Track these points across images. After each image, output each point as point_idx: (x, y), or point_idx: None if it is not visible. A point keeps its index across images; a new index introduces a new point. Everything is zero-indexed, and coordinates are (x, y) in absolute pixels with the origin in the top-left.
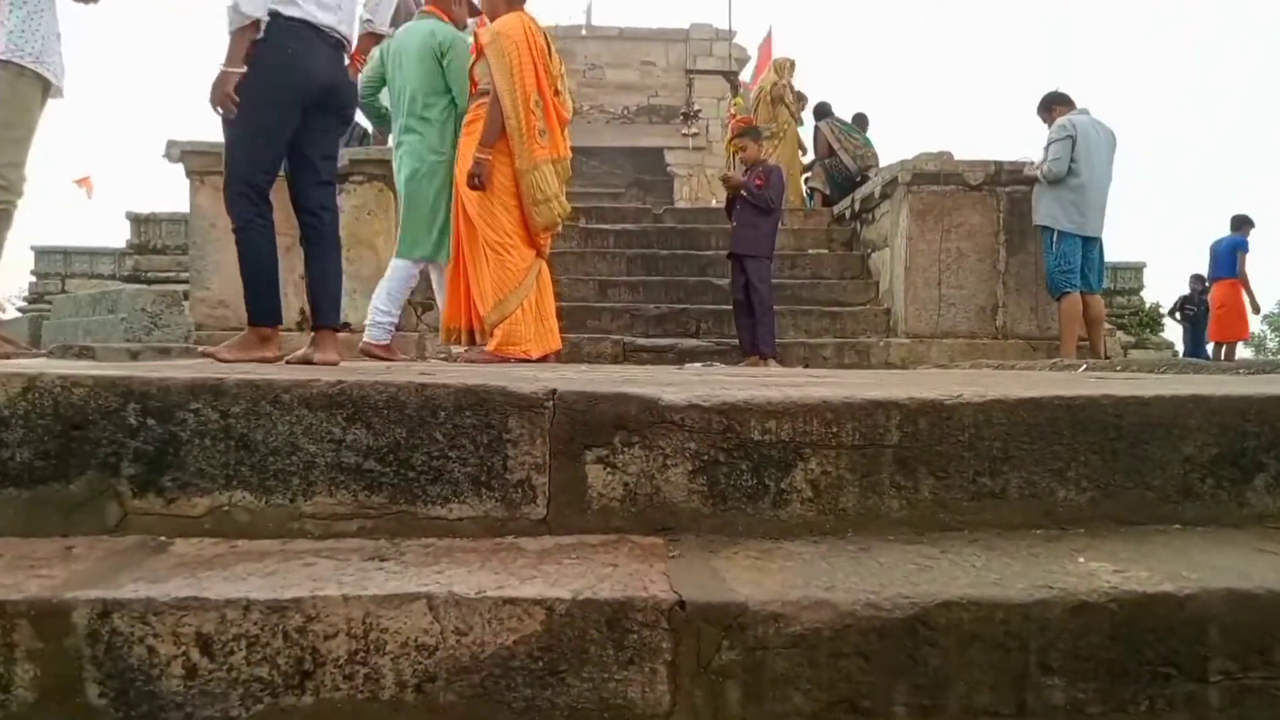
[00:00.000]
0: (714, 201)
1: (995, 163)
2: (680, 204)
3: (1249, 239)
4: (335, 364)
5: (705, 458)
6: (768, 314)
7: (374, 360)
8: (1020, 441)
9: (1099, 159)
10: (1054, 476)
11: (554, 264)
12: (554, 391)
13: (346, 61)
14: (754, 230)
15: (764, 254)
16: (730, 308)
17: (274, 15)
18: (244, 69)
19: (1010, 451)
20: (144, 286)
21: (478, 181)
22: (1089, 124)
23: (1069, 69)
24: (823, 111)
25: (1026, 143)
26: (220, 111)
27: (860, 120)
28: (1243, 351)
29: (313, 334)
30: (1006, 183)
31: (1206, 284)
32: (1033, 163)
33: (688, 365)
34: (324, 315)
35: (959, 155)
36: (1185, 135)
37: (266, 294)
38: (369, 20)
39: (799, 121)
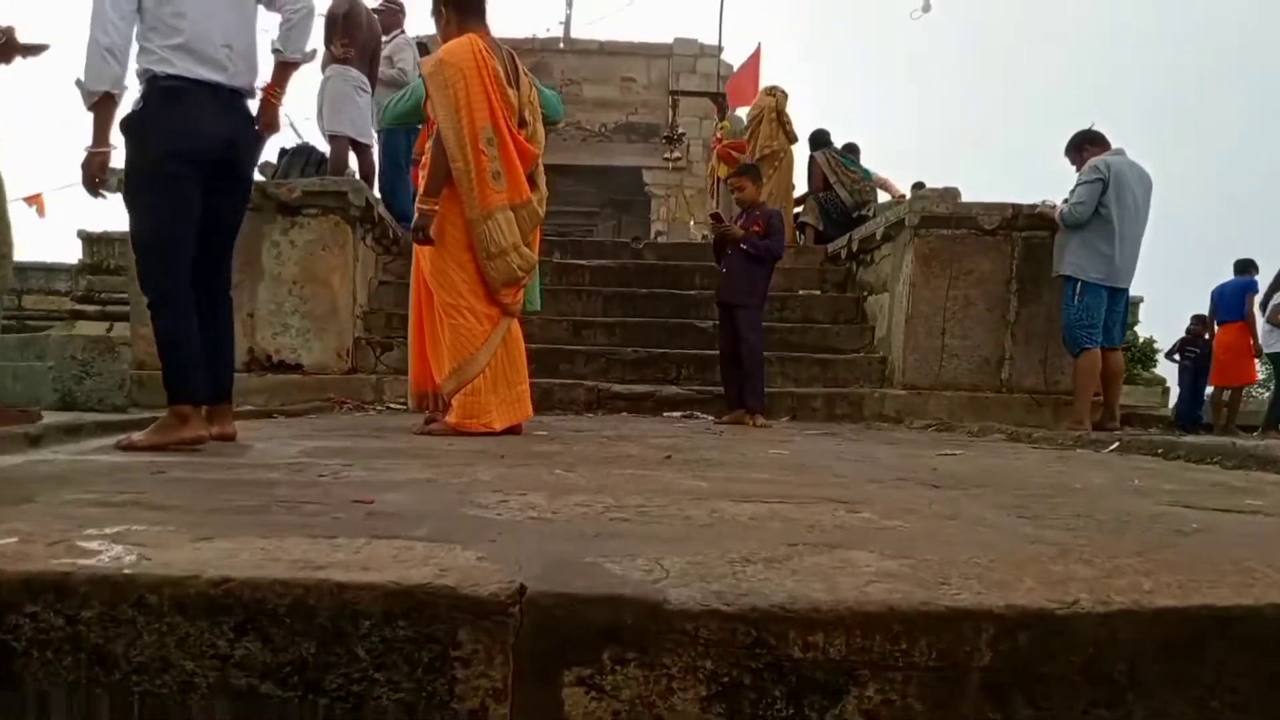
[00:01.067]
0: (691, 223)
1: (1013, 206)
2: (657, 225)
3: (1257, 280)
4: (231, 437)
5: (725, 679)
6: (757, 367)
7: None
8: (1151, 663)
9: (1133, 203)
10: (1192, 706)
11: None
12: (521, 592)
13: (255, 107)
14: (747, 279)
15: (755, 303)
16: (714, 353)
17: (151, 78)
18: (109, 147)
19: (1137, 676)
20: (74, 334)
21: (421, 236)
22: (1124, 165)
23: (1078, 96)
24: (820, 140)
25: (1035, 183)
26: (93, 195)
27: (851, 150)
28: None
29: (207, 409)
30: (1023, 228)
31: (1208, 325)
32: (1052, 204)
33: (667, 414)
34: (219, 389)
35: (964, 195)
36: (1179, 168)
37: (185, 372)
38: (278, 50)
39: (794, 139)
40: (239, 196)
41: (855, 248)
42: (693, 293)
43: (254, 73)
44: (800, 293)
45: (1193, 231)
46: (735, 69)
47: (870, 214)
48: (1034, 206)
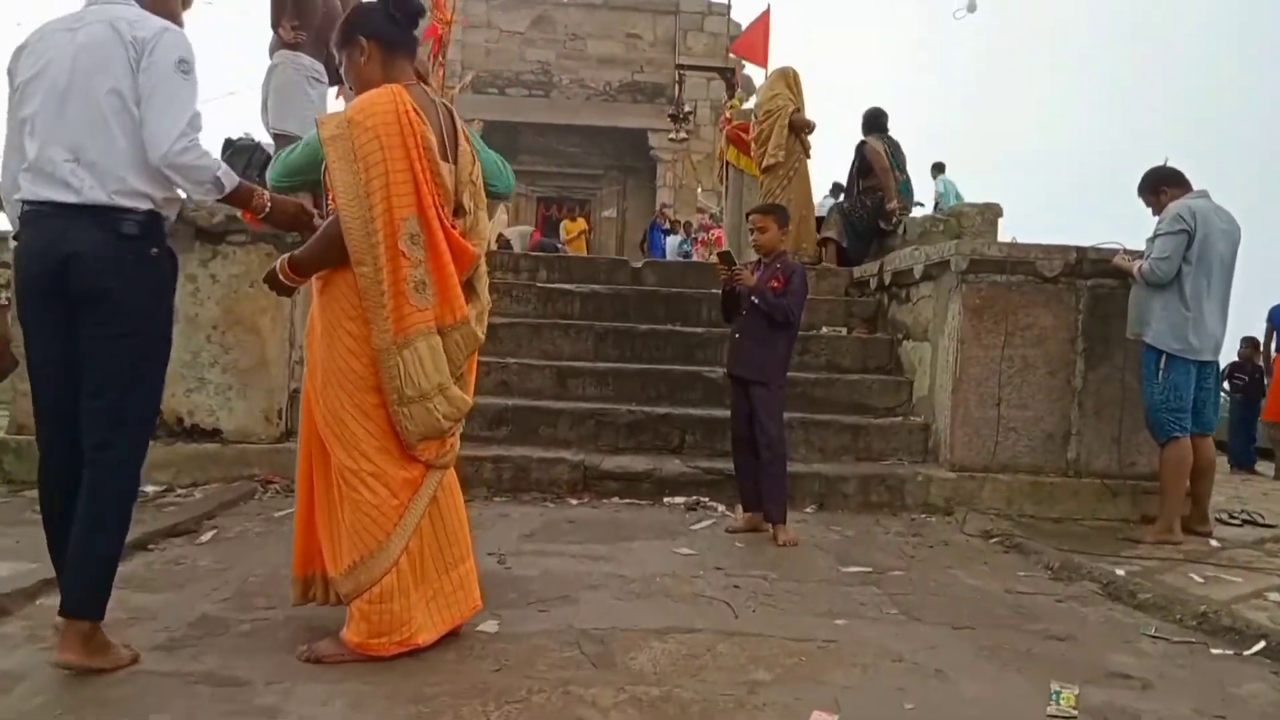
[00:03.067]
0: (699, 190)
1: (1077, 249)
2: (663, 194)
3: None
4: (80, 667)
5: None
6: (779, 466)
7: None
8: None
9: (1222, 258)
10: None
11: (501, 337)
12: None
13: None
14: (766, 349)
15: (776, 380)
16: (726, 413)
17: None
18: None
19: None
20: None
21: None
22: (1210, 211)
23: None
24: (875, 123)
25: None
26: None
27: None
28: None
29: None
30: (1089, 274)
31: (1262, 351)
32: (1125, 251)
33: (668, 501)
34: (68, 599)
35: (1011, 218)
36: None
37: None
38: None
39: (810, 155)
40: (97, 327)
41: (888, 279)
42: (701, 330)
43: (116, 180)
44: (824, 331)
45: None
46: (744, 28)
47: (894, 226)
48: (1100, 249)
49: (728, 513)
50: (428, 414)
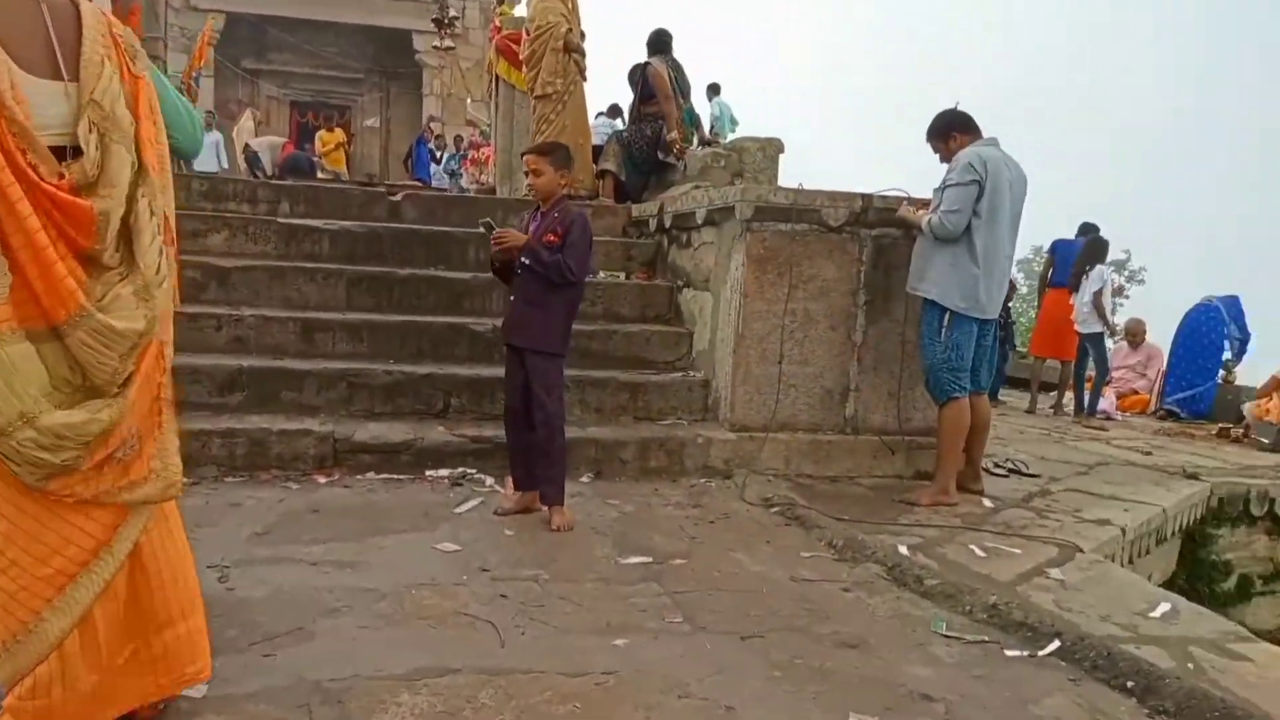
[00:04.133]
0: (469, 102)
1: (863, 197)
2: (430, 104)
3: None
4: None
5: None
6: (556, 443)
7: None
8: None
9: (1012, 211)
10: None
11: (235, 284)
12: None
13: None
14: (544, 313)
15: (556, 348)
16: (497, 373)
17: None
18: None
19: None
20: None
21: None
22: (1000, 161)
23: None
24: (660, 45)
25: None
26: None
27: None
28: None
29: None
30: (874, 224)
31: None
32: (908, 200)
33: (431, 475)
34: None
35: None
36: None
37: None
38: None
39: (585, 77)
40: None
41: (668, 221)
42: (467, 276)
43: None
44: (602, 277)
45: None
46: None
47: (675, 158)
48: (886, 198)
49: (497, 487)
50: (20, 452)
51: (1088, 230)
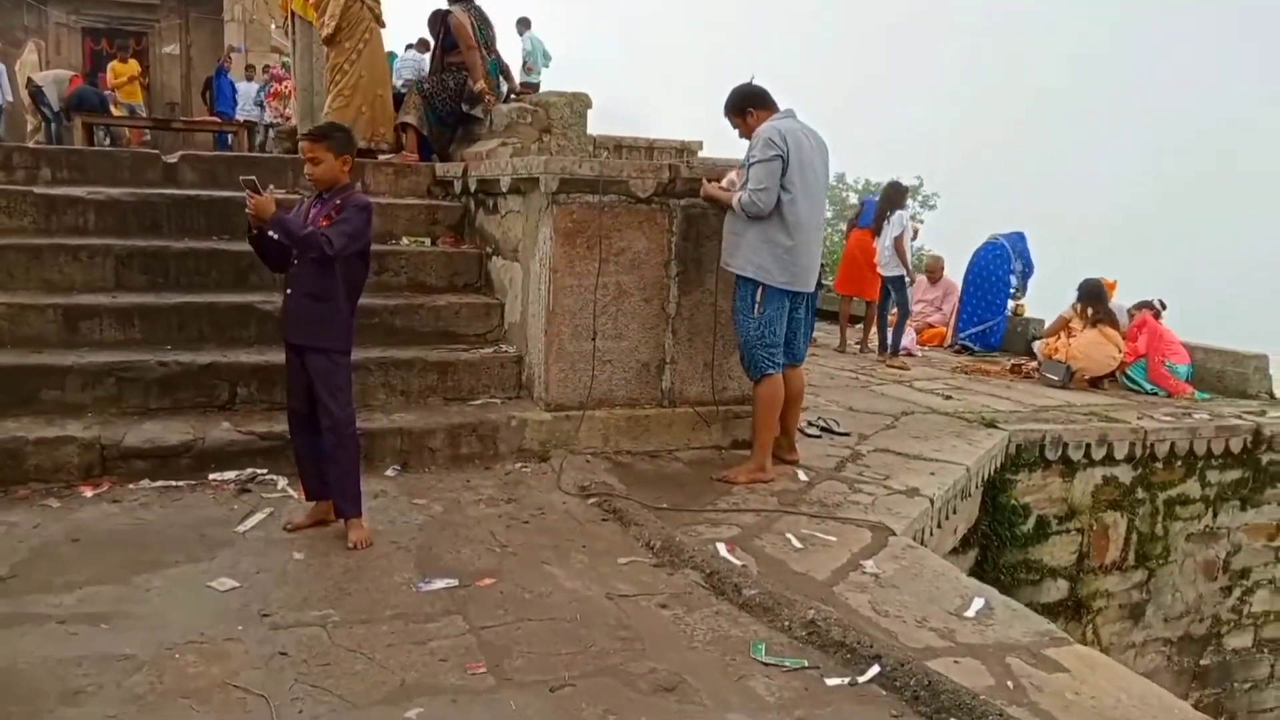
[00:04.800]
0: (273, 27)
1: (670, 167)
2: (232, 36)
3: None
4: None
5: None
6: (346, 451)
7: None
8: None
9: (815, 183)
10: None
11: None
12: None
13: None
14: (321, 305)
15: (339, 345)
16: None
17: None
18: None
19: None
20: None
21: None
22: (800, 132)
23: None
24: None
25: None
26: None
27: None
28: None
29: None
30: (682, 194)
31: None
32: (719, 179)
33: (214, 478)
34: None
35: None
36: None
37: None
38: None
39: (382, 23)
40: None
41: (473, 185)
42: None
43: None
44: (405, 243)
45: None
46: None
47: (479, 111)
48: (693, 168)
49: (290, 490)
50: None
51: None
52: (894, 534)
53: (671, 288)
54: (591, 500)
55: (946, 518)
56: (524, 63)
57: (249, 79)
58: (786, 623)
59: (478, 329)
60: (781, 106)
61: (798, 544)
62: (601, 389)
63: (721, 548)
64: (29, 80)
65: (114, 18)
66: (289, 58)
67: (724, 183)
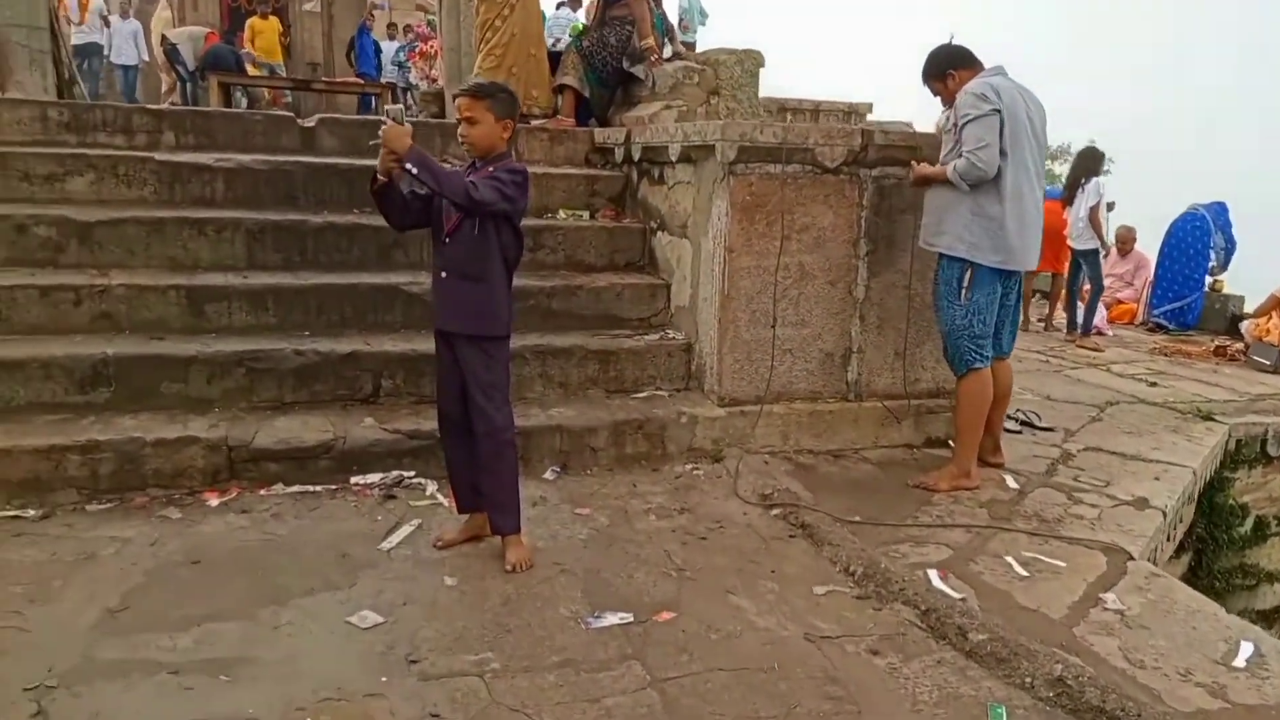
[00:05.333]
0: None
1: (862, 132)
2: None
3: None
4: None
5: None
6: (504, 461)
7: None
8: None
9: (1036, 145)
10: None
11: (101, 241)
12: None
13: None
14: (479, 285)
15: (497, 331)
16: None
17: None
18: None
19: None
20: None
21: None
22: (1014, 90)
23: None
24: None
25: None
26: None
27: None
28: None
29: None
30: (874, 162)
31: None
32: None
33: (356, 482)
34: None
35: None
36: None
37: None
38: None
39: None
40: None
41: (636, 153)
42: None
43: None
44: (562, 216)
45: None
46: None
47: (643, 70)
48: (889, 131)
49: (440, 496)
50: None
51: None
52: (1132, 558)
53: (860, 269)
54: (775, 511)
55: (1174, 526)
56: (679, 20)
57: (390, 38)
58: (1027, 678)
59: (641, 312)
60: (988, 65)
61: (1021, 570)
62: (781, 381)
63: (933, 575)
64: (163, 38)
65: None
66: (434, 15)
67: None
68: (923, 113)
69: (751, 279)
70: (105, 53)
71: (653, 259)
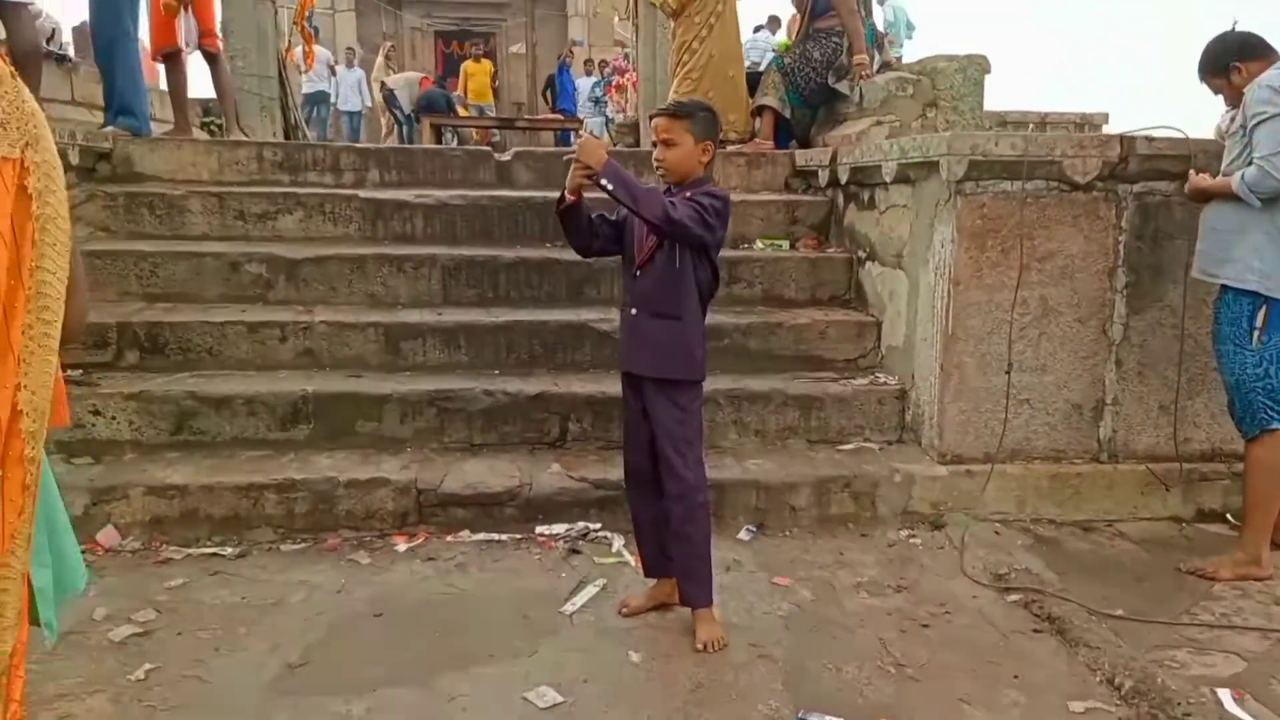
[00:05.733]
0: (616, 20)
1: (1122, 140)
2: (575, 29)
3: None
4: None
5: None
6: (696, 525)
7: None
8: None
9: None
10: None
11: (306, 278)
12: None
13: None
14: (672, 324)
15: (690, 375)
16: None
17: None
18: None
19: None
20: None
21: None
22: None
23: None
24: None
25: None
26: None
27: None
28: None
29: None
30: (1135, 177)
31: None
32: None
33: (541, 533)
34: None
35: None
36: None
37: None
38: None
39: None
40: None
41: (844, 175)
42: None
43: None
44: (759, 247)
45: None
46: None
47: (849, 87)
48: (1154, 138)
49: (626, 553)
50: None
51: None
52: None
53: (1116, 304)
54: (1013, 597)
55: None
56: (883, 36)
57: (587, 74)
58: None
59: (847, 353)
60: None
61: None
62: (1016, 436)
63: (1225, 696)
64: (381, 84)
65: (464, 19)
66: (631, 49)
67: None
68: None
69: (981, 316)
70: (332, 100)
71: (860, 293)
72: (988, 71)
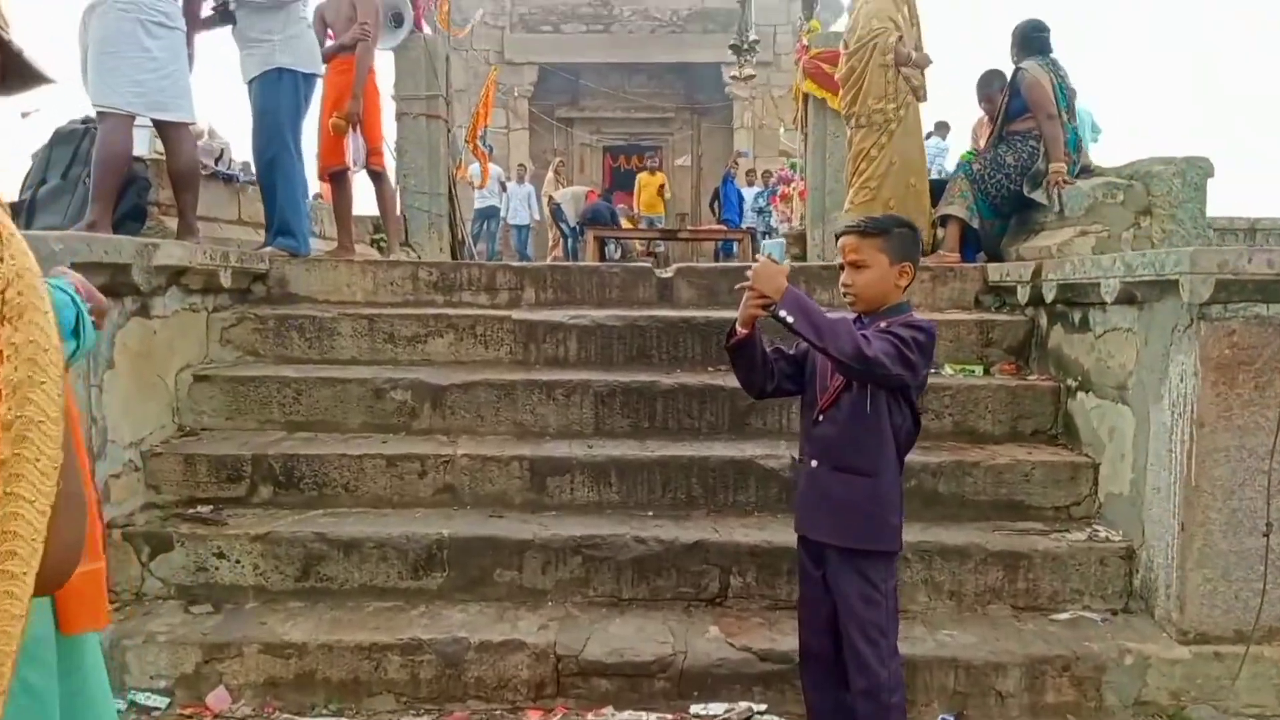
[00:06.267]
0: (781, 131)
1: None
2: (740, 139)
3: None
4: None
5: None
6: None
7: None
8: None
9: None
10: None
11: (452, 405)
12: None
13: None
14: (864, 481)
15: (887, 543)
16: (791, 535)
17: None
18: None
19: None
20: None
21: None
22: None
23: None
24: (1032, 41)
25: None
26: None
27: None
28: None
29: None
30: None
31: None
32: None
33: (697, 712)
34: None
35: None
36: None
37: None
38: None
39: (922, 97)
40: None
41: (1050, 294)
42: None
43: None
44: (948, 373)
45: None
46: None
47: (1047, 197)
48: None
49: None
50: None
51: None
52: None
53: None
54: None
55: None
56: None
57: (750, 184)
58: None
59: (1056, 500)
60: None
61: None
62: (1277, 611)
63: None
64: (549, 198)
65: (632, 134)
66: (797, 159)
67: None
68: None
69: (1231, 464)
70: (502, 214)
71: (1069, 428)
72: (1210, 175)
